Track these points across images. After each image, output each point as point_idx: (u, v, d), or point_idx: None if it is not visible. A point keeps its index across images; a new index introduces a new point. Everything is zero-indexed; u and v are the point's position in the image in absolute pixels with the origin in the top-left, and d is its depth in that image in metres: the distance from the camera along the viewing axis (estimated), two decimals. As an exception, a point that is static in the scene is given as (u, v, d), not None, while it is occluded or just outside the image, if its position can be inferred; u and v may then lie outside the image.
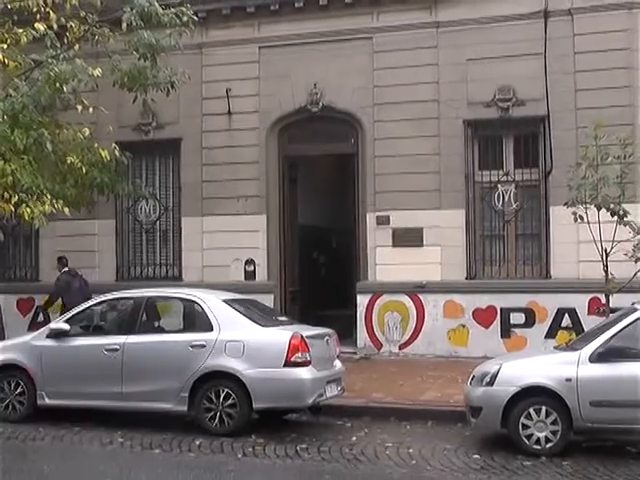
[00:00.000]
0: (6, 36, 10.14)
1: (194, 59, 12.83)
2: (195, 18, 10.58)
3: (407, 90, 12.31)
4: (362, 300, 12.66)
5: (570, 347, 7.73)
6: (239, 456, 7.21)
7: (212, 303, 8.40)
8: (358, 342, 12.65)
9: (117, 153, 11.27)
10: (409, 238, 12.35)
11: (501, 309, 11.99)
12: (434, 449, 7.39)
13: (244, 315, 8.37)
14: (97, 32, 10.31)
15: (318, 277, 15.17)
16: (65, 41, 10.45)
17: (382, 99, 12.52)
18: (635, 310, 7.47)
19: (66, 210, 10.20)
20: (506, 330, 11.96)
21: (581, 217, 9.12)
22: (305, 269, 14.21)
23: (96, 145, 11.05)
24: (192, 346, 8.09)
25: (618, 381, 6.97)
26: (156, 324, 8.95)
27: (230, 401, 7.88)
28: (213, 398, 7.92)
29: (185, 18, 10.20)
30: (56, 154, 10.59)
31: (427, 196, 12.28)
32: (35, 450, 7.65)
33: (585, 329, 10.40)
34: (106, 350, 8.37)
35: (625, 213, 9.10)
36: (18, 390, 8.63)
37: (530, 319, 11.87)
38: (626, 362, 7.05)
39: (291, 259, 13.70)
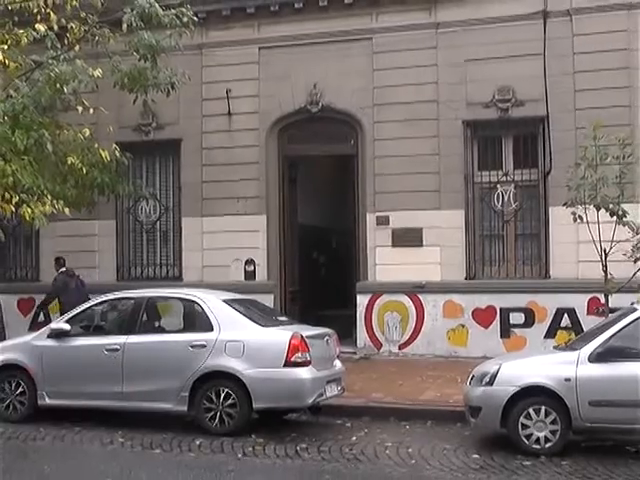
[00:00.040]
0: (7, 37, 10.16)
1: (194, 60, 12.85)
2: (195, 19, 10.59)
3: (406, 91, 12.33)
4: (362, 300, 12.68)
5: (569, 347, 7.74)
6: (239, 456, 7.22)
7: (212, 303, 8.42)
8: (358, 342, 12.67)
9: (117, 154, 11.30)
10: (409, 238, 12.36)
11: (500, 309, 12.00)
12: (434, 449, 7.40)
13: (244, 315, 8.39)
14: (97, 33, 10.32)
15: (318, 277, 15.19)
16: (65, 42, 10.46)
17: (382, 100, 12.54)
18: (634, 310, 7.49)
19: (66, 210, 10.22)
20: (505, 330, 11.97)
21: (580, 217, 9.14)
22: (305, 269, 14.23)
23: (96, 146, 11.08)
24: (192, 346, 8.11)
25: (617, 381, 6.99)
26: (156, 324, 8.97)
27: (230, 401, 7.90)
28: (213, 398, 7.94)
29: (185, 19, 10.21)
30: (57, 155, 10.61)
31: (427, 196, 12.30)
32: (36, 450, 7.66)
33: (584, 329, 10.41)
34: (107, 350, 8.39)
35: (624, 213, 9.12)
36: (19, 390, 8.65)
37: (529, 319, 11.88)
38: (625, 362, 7.06)
39: (291, 259, 13.72)
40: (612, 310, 8.98)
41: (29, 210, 9.65)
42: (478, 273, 12.35)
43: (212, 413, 7.92)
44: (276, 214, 13.28)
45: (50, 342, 8.73)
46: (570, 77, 11.74)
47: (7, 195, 9.68)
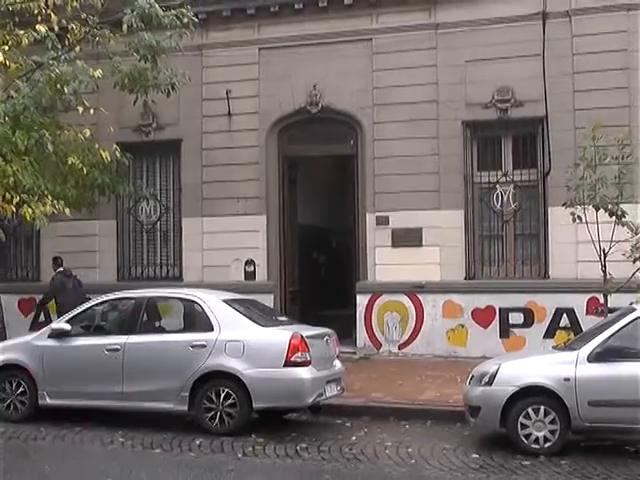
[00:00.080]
0: (7, 38, 10.17)
1: (194, 60, 12.86)
2: (195, 20, 10.63)
3: (406, 91, 12.35)
4: (362, 300, 12.70)
5: (568, 347, 7.76)
6: (239, 456, 7.24)
7: (212, 303, 8.44)
8: (358, 342, 12.68)
9: (118, 154, 11.32)
10: (408, 238, 12.38)
11: (500, 309, 12.02)
12: (433, 448, 7.41)
13: (244, 315, 8.40)
14: (98, 34, 10.35)
15: (318, 277, 15.21)
16: (66, 43, 10.48)
17: (381, 100, 12.56)
18: (633, 310, 7.51)
19: (67, 211, 10.24)
20: (505, 330, 11.99)
21: (579, 217, 9.16)
22: (305, 269, 14.25)
23: (97, 146, 11.09)
24: (192, 346, 8.13)
25: (616, 381, 7.00)
26: (157, 324, 8.98)
27: (230, 401, 7.92)
28: (213, 398, 7.95)
29: (185, 20, 10.24)
30: (57, 155, 10.63)
31: (426, 196, 12.32)
32: (36, 450, 7.68)
33: (583, 329, 10.40)
34: (107, 350, 8.41)
35: (623, 213, 9.14)
36: (19, 390, 8.67)
37: (529, 319, 11.90)
38: (624, 362, 7.08)
39: (291, 259, 13.74)
40: (611, 310, 9.00)
41: (30, 210, 9.68)
42: (477, 273, 12.37)
43: (212, 413, 7.94)
44: (276, 214, 13.30)
45: (51, 342, 8.75)
46: (569, 78, 11.76)
47: (8, 195, 9.70)
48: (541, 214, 12.07)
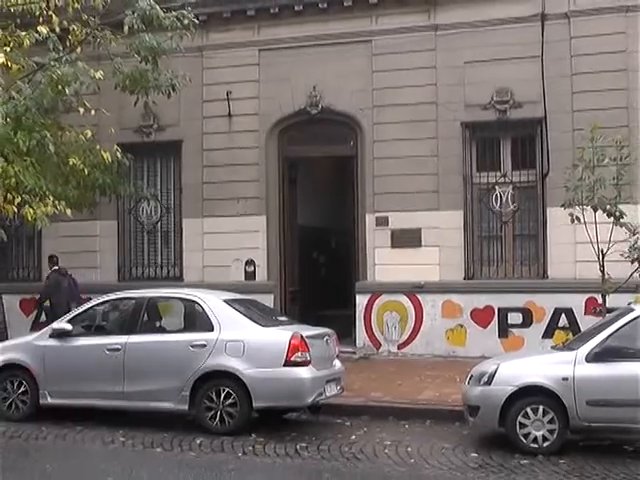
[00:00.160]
0: (9, 39, 10.19)
1: (195, 62, 12.88)
2: (196, 21, 10.66)
3: (405, 92, 12.37)
4: (361, 300, 12.74)
5: (567, 347, 7.78)
6: (239, 455, 7.26)
7: (213, 303, 8.47)
8: (357, 342, 12.72)
9: (119, 155, 11.36)
10: (408, 239, 12.41)
11: (499, 309, 12.05)
12: (432, 448, 7.43)
13: (244, 315, 8.43)
14: (99, 35, 10.36)
15: (318, 277, 15.23)
16: (67, 44, 10.50)
17: (381, 101, 12.59)
18: (631, 310, 7.54)
19: (68, 211, 10.29)
20: (504, 330, 12.02)
21: (578, 218, 9.19)
22: (305, 269, 14.28)
23: (98, 147, 11.13)
24: (193, 346, 8.15)
25: (615, 380, 7.03)
26: (157, 324, 9.01)
27: (230, 400, 7.94)
28: (214, 397, 7.98)
29: (186, 21, 10.27)
30: (58, 156, 10.66)
31: (425, 197, 12.36)
32: (38, 449, 7.70)
33: (582, 329, 10.42)
34: (108, 350, 8.44)
35: (621, 214, 9.15)
36: (21, 389, 8.69)
37: (527, 319, 11.93)
38: (622, 362, 7.11)
39: (291, 259, 13.77)
40: (609, 310, 9.00)
41: (31, 211, 9.72)
42: (476, 273, 12.40)
43: (212, 412, 7.96)
44: (276, 215, 13.34)
45: (52, 342, 8.78)
46: (568, 79, 11.79)
47: (10, 196, 9.75)
48: (540, 215, 12.11)
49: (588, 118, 10.41)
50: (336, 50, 12.71)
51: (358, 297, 12.80)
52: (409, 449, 7.39)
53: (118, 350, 8.40)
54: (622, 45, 11.57)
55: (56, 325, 8.96)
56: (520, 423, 7.18)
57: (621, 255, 9.24)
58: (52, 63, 9.96)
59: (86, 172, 10.92)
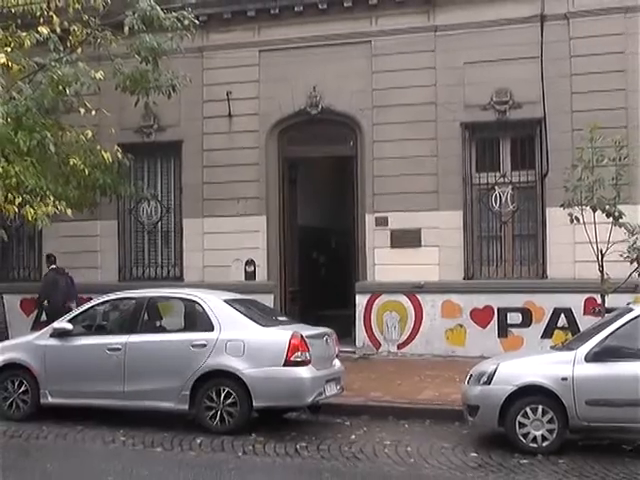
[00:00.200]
0: (10, 39, 10.22)
1: (195, 62, 12.89)
2: (196, 22, 10.70)
3: (405, 93, 12.38)
4: (361, 300, 12.76)
5: (566, 347, 7.79)
6: (239, 454, 7.27)
7: (213, 303, 8.49)
8: (357, 341, 12.73)
9: (119, 155, 11.42)
10: (407, 239, 12.43)
11: (498, 309, 12.06)
12: (432, 447, 7.45)
13: (244, 315, 8.45)
14: (99, 36, 10.38)
15: (318, 277, 15.25)
16: (68, 44, 10.52)
17: (380, 102, 12.61)
18: (630, 310, 7.56)
19: (69, 211, 10.34)
20: (503, 330, 12.03)
21: (577, 218, 9.23)
22: (305, 269, 14.30)
23: (98, 147, 11.18)
24: (193, 345, 8.18)
25: (614, 380, 7.05)
26: (158, 324, 9.03)
27: (230, 400, 7.96)
28: (214, 397, 8.00)
29: (186, 22, 10.29)
30: (59, 156, 10.70)
31: (425, 197, 12.37)
32: (38, 448, 7.73)
33: (581, 329, 10.44)
34: (108, 349, 8.46)
35: (620, 214, 9.19)
36: (22, 389, 8.71)
37: (527, 319, 11.94)
38: (621, 361, 7.13)
39: (291, 259, 13.79)
40: (608, 310, 9.02)
41: (32, 211, 9.76)
42: (476, 273, 12.42)
43: (213, 412, 7.98)
44: (276, 215, 13.35)
45: (53, 341, 8.80)
46: (567, 80, 11.81)
47: (10, 196, 9.78)
48: (539, 215, 12.12)
49: (587, 119, 10.41)
50: (336, 51, 12.71)
51: (358, 297, 12.82)
52: (409, 449, 7.40)
53: (119, 350, 8.42)
54: (621, 46, 11.59)
55: (57, 325, 8.98)
56: (519, 423, 7.20)
57: (620, 255, 9.27)
58: (53, 63, 9.99)
59: (87, 172, 10.96)
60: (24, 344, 9.08)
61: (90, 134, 10.89)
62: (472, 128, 12.45)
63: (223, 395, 7.98)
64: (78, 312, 9.18)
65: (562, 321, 11.77)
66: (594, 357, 7.17)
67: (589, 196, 9.20)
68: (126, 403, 8.41)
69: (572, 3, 11.92)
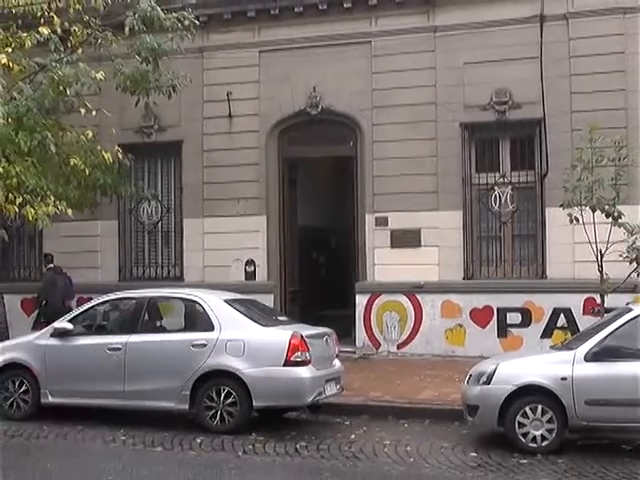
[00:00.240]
0: (10, 40, 10.25)
1: (195, 63, 12.92)
2: (196, 22, 10.73)
3: (405, 93, 12.40)
4: (361, 300, 12.77)
5: (566, 346, 7.81)
6: (239, 454, 7.28)
7: (213, 303, 8.50)
8: (357, 341, 12.75)
9: (120, 155, 11.44)
10: (407, 239, 12.44)
11: (498, 309, 12.08)
12: (431, 447, 7.47)
13: (245, 315, 8.46)
14: (100, 36, 10.39)
15: (318, 277, 15.27)
16: (68, 45, 10.54)
17: (380, 102, 12.62)
18: (629, 310, 7.58)
19: (69, 211, 10.35)
20: (503, 330, 12.05)
21: (576, 218, 9.25)
22: (305, 269, 14.31)
23: (99, 147, 11.20)
24: (193, 345, 8.19)
25: (613, 380, 7.07)
26: (158, 324, 9.04)
27: (231, 399, 7.98)
28: (214, 397, 8.01)
29: (187, 22, 10.32)
30: (60, 156, 10.72)
31: (425, 198, 12.38)
32: (39, 448, 7.74)
33: (580, 329, 10.46)
34: (109, 349, 8.47)
35: (619, 215, 9.21)
36: (22, 388, 8.73)
37: (526, 319, 11.96)
38: (621, 361, 7.15)
39: (291, 259, 13.81)
40: (608, 310, 9.03)
41: (32, 211, 9.77)
42: (476, 273, 12.43)
43: (213, 411, 8.00)
44: (276, 215, 13.37)
45: (53, 341, 8.82)
46: (566, 80, 11.82)
47: (11, 196, 9.79)
48: (539, 215, 12.14)
49: (587, 119, 10.44)
50: (336, 51, 12.73)
51: (358, 297, 12.83)
52: (408, 448, 7.42)
53: (119, 350, 8.44)
54: (620, 46, 11.60)
55: (57, 324, 8.99)
56: (519, 422, 7.21)
57: (619, 255, 9.29)
58: (53, 64, 10.00)
59: (87, 172, 10.98)
60: (25, 344, 9.10)
61: (91, 134, 10.90)
62: (472, 128, 12.46)
63: (223, 395, 7.99)
64: (78, 312, 9.20)
65: (561, 321, 11.78)
66: (593, 357, 7.18)
67: (588, 196, 9.22)
68: (126, 403, 8.42)
69: (572, 3, 11.94)
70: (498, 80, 12.06)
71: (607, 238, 9.17)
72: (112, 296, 9.22)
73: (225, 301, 8.63)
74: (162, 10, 10.10)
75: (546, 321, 11.86)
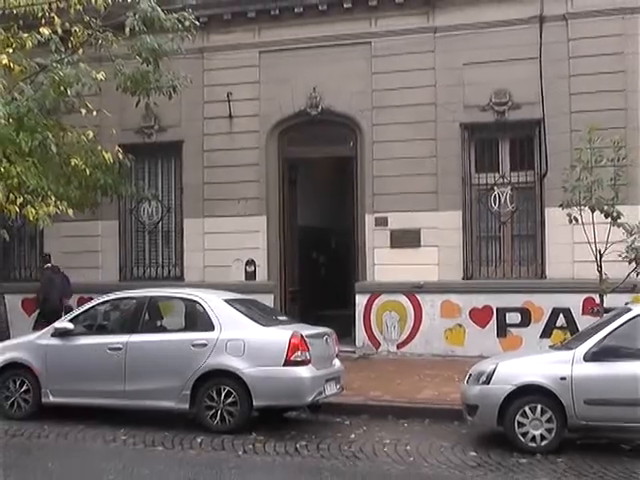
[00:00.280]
0: (11, 40, 10.29)
1: (196, 63, 12.93)
2: (197, 23, 10.77)
3: (405, 94, 12.42)
4: (361, 300, 12.79)
5: (565, 346, 7.83)
6: (239, 453, 7.29)
7: (213, 303, 8.51)
8: (357, 341, 12.77)
9: (120, 155, 11.48)
10: (407, 239, 12.46)
11: (497, 309, 12.10)
12: (431, 446, 7.47)
13: (245, 315, 8.47)
14: (101, 37, 10.42)
15: (317, 277, 15.29)
16: (69, 45, 10.58)
17: (380, 103, 12.64)
18: (629, 310, 7.59)
19: (70, 211, 10.39)
20: (502, 329, 12.07)
21: (576, 219, 9.28)
22: (305, 269, 14.33)
23: (99, 148, 11.23)
24: (194, 345, 8.20)
25: (612, 380, 7.08)
26: (158, 323, 9.05)
27: (231, 399, 7.99)
28: (214, 396, 8.02)
29: (187, 23, 10.35)
30: (60, 156, 10.75)
31: (425, 198, 12.40)
32: (40, 447, 7.75)
33: (579, 329, 10.49)
34: (109, 349, 8.48)
35: (618, 215, 9.25)
36: (23, 388, 8.73)
37: (526, 319, 11.98)
38: (620, 361, 7.16)
39: (291, 259, 13.83)
40: (607, 310, 9.06)
41: (33, 211, 9.80)
42: (475, 273, 12.45)
43: (213, 411, 8.01)
44: (276, 215, 13.39)
45: (54, 341, 8.83)
46: (566, 80, 11.84)
47: (12, 196, 9.83)
48: (538, 215, 12.16)
49: (586, 119, 10.47)
50: (336, 52, 12.74)
51: (358, 297, 12.85)
52: (408, 448, 7.43)
53: (119, 349, 8.44)
54: (619, 47, 11.62)
55: (58, 324, 9.01)
56: (518, 422, 7.22)
57: (619, 255, 9.33)
58: (54, 64, 10.04)
59: (88, 172, 11.00)
60: (25, 344, 9.11)
61: (91, 135, 10.94)
62: (471, 129, 12.49)
63: (223, 394, 8.00)
64: (79, 312, 9.21)
65: (561, 321, 11.81)
66: (592, 357, 7.19)
67: (588, 196, 9.25)
68: (127, 402, 8.43)
69: (571, 4, 11.96)
70: (498, 81, 12.09)
71: (606, 238, 9.19)
72: (113, 296, 9.23)
73: (225, 301, 8.65)
74: (162, 11, 10.13)
75: (545, 321, 11.88)
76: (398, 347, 12.56)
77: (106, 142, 11.75)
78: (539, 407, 7.22)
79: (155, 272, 13.84)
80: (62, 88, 9.96)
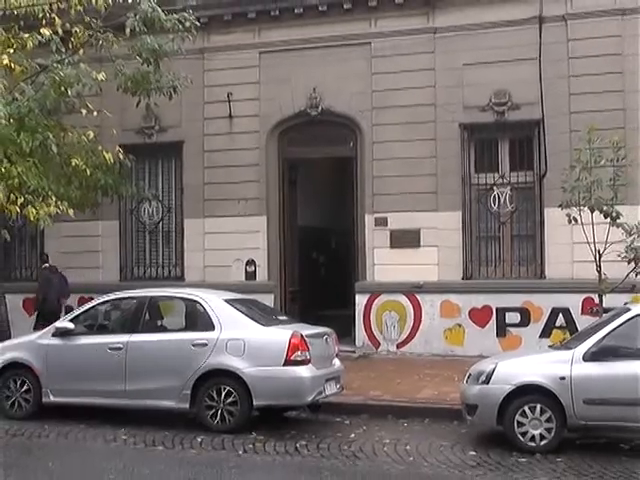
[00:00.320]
0: (12, 41, 10.31)
1: (196, 64, 12.95)
2: (197, 24, 10.80)
3: (404, 94, 12.44)
4: (361, 300, 12.81)
5: (564, 346, 7.84)
6: (240, 453, 7.31)
7: (214, 303, 8.52)
8: (357, 341, 12.78)
9: (121, 156, 11.49)
10: (407, 239, 12.48)
11: (497, 309, 12.12)
12: (431, 446, 7.49)
13: (245, 314, 8.48)
14: (101, 37, 10.44)
15: (317, 277, 15.30)
16: (70, 46, 10.60)
17: (380, 103, 12.66)
18: (628, 310, 7.61)
19: (71, 211, 10.39)
20: (501, 329, 12.09)
21: (575, 219, 9.30)
22: (305, 269, 14.35)
23: (100, 148, 11.24)
24: (194, 345, 8.21)
25: (611, 379, 7.09)
26: (159, 323, 9.06)
27: (231, 399, 8.00)
28: (214, 396, 8.03)
29: (187, 24, 10.39)
30: (61, 156, 10.77)
31: (424, 198, 12.42)
32: (40, 447, 7.76)
33: (579, 328, 10.50)
34: (110, 349, 8.49)
35: (618, 215, 9.26)
36: (24, 388, 8.75)
37: (525, 319, 11.99)
38: (619, 361, 7.17)
39: (291, 259, 13.85)
40: (606, 310, 9.07)
41: (34, 211, 9.81)
42: (475, 273, 12.47)
43: (213, 411, 8.02)
44: (276, 215, 13.41)
45: (54, 341, 8.84)
46: (565, 81, 11.86)
47: (13, 196, 9.84)
48: (537, 215, 12.17)
49: (585, 120, 10.50)
50: (336, 52, 12.76)
51: (357, 297, 12.87)
52: (408, 447, 7.44)
53: (120, 349, 8.46)
54: (619, 48, 11.64)
55: (59, 324, 9.03)
56: (518, 422, 7.23)
57: (618, 255, 9.34)
58: (55, 65, 10.06)
59: (88, 173, 11.01)
60: (26, 343, 9.12)
61: (92, 135, 10.95)
62: (471, 129, 12.50)
63: (224, 394, 8.02)
64: (80, 312, 9.21)
65: (560, 321, 11.82)
66: (592, 356, 7.21)
67: (587, 197, 9.27)
68: (127, 402, 8.44)
69: (570, 5, 11.98)
70: (497, 81, 12.10)
71: (605, 238, 9.21)
72: (113, 296, 9.24)
73: (226, 301, 8.66)
74: (163, 11, 10.17)
75: (545, 321, 11.90)
76: (398, 347, 12.58)
77: (107, 142, 11.77)
78: (538, 407, 7.23)
79: (155, 272, 13.85)
80: (63, 88, 9.99)
